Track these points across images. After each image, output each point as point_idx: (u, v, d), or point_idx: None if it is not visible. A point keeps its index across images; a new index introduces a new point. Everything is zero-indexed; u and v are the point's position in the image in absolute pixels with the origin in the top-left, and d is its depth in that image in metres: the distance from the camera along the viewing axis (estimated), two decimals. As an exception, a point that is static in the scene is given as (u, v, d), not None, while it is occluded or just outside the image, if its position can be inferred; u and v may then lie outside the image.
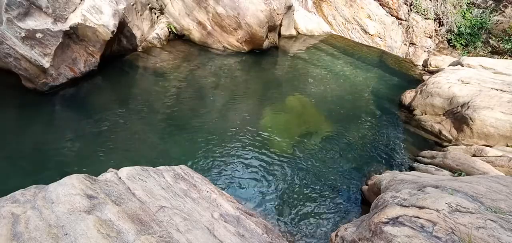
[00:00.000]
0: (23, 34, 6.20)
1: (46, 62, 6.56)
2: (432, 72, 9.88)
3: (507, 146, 6.27)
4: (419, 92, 8.22)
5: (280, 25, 10.75)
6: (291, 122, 7.33)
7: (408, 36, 11.48)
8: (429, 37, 11.29)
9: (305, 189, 5.65)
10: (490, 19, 10.53)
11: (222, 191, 4.49)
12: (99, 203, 2.96)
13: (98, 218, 2.77)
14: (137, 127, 6.44)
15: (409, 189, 3.66)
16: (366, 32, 11.89)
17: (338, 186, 5.84)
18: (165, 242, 2.80)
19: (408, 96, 8.49)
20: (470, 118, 6.56)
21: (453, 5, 10.95)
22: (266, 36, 10.02)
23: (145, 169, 3.89)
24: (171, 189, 3.76)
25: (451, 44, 11.08)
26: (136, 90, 7.68)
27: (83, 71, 7.34)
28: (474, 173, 5.35)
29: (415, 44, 11.36)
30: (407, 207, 3.08)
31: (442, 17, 11.09)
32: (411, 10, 11.47)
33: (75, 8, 6.88)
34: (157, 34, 9.43)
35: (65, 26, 6.72)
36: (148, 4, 9.18)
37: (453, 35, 10.93)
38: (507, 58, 9.68)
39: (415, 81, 9.73)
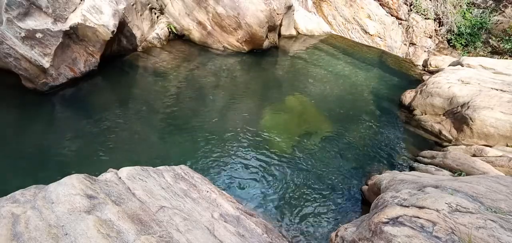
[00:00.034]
0: (23, 34, 6.20)
1: (46, 62, 6.56)
2: (432, 72, 9.88)
3: (507, 146, 6.27)
4: (419, 92, 8.22)
5: (280, 25, 10.75)
6: (291, 122, 7.33)
7: (408, 36, 11.48)
8: (429, 37, 11.29)
9: (305, 189, 5.65)
10: (490, 19, 10.53)
11: (222, 191, 4.49)
12: (99, 203, 2.96)
13: (98, 218, 2.77)
14: (137, 127, 6.44)
15: (409, 189, 3.66)
16: (366, 32, 11.89)
17: (338, 186, 5.84)
18: (165, 242, 2.80)
19: (408, 96, 8.49)
20: (470, 118, 6.56)
21: (453, 5, 10.95)
22: (266, 36, 10.02)
23: (145, 169, 3.89)
24: (171, 189, 3.76)
25: (451, 44, 11.08)
26: (136, 90, 7.68)
27: (83, 71, 7.34)
28: (474, 173, 5.35)
29: (415, 44, 11.36)
30: (407, 207, 3.08)
31: (442, 17, 11.09)
32: (411, 10, 11.47)
33: (75, 8, 6.88)
34: (157, 34, 9.43)
35: (65, 26, 6.72)
36: (148, 4, 9.18)
37: (453, 35, 10.93)
38: (507, 58, 9.68)
39: (415, 81, 9.73)
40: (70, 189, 2.99)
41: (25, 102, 6.55)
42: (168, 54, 9.20)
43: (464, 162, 5.69)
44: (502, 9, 10.59)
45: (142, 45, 9.08)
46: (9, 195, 3.04)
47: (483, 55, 10.23)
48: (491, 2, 10.82)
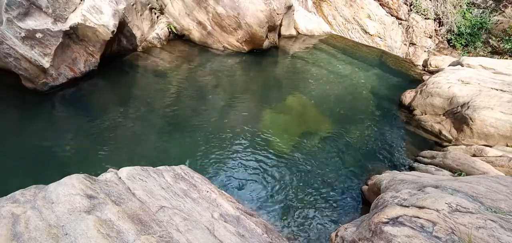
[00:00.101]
0: (23, 34, 6.20)
1: (46, 62, 6.56)
2: (432, 72, 9.87)
3: (507, 146, 6.27)
4: (419, 92, 8.22)
5: (280, 25, 10.74)
6: (291, 122, 7.33)
7: (408, 36, 11.47)
8: (429, 37, 11.29)
9: (305, 189, 5.65)
10: (490, 19, 10.53)
11: (222, 191, 4.49)
12: (99, 203, 2.96)
13: (98, 218, 2.77)
14: (137, 127, 6.45)
15: (409, 189, 3.66)
16: (366, 32, 11.89)
17: (338, 186, 5.84)
18: (165, 242, 2.80)
19: (408, 96, 8.49)
20: (470, 118, 6.56)
21: (453, 5, 10.95)
22: (266, 36, 10.02)
23: (145, 169, 3.89)
24: (171, 189, 3.76)
25: (451, 44, 11.08)
26: (136, 90, 7.68)
27: (83, 71, 7.34)
28: (474, 173, 5.35)
29: (415, 44, 11.36)
30: (407, 207, 3.08)
31: (442, 17, 11.08)
32: (411, 10, 11.46)
33: (75, 8, 6.88)
34: (157, 34, 9.43)
35: (65, 26, 6.72)
36: (148, 4, 9.18)
37: (453, 35, 10.93)
38: (507, 58, 9.67)
39: (415, 81, 9.73)
40: (70, 189, 2.99)
41: (25, 102, 6.56)
42: (168, 54, 9.20)
43: (464, 162, 5.69)
44: (502, 9, 10.59)
45: (142, 45, 9.08)
46: (9, 195, 3.04)
47: (483, 55, 10.23)
48: (491, 2, 10.82)
